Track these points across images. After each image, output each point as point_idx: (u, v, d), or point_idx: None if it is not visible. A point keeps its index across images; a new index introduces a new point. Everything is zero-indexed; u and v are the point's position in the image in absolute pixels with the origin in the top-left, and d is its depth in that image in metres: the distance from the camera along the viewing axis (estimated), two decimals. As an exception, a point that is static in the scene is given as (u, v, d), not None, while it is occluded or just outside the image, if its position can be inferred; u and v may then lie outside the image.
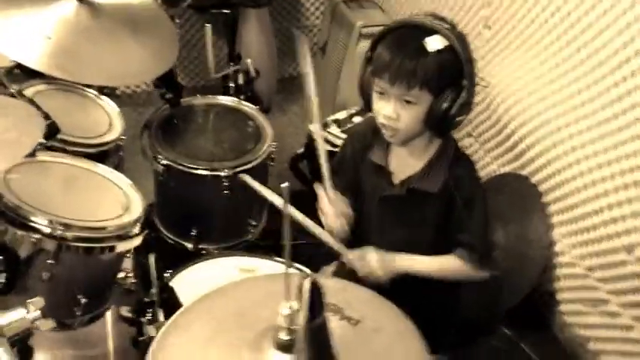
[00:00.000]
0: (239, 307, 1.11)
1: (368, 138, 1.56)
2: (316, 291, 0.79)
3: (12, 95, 1.47)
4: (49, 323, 1.16)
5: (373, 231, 1.59)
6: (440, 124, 1.40)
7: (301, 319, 0.82)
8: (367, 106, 1.49)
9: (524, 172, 2.11)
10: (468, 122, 2.12)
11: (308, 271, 1.58)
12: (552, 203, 2.00)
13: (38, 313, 1.10)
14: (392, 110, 1.39)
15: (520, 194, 2.11)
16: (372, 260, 1.49)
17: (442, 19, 1.40)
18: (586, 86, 1.82)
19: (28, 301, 1.12)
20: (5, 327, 1.05)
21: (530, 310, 2.06)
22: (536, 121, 2.03)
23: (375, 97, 1.44)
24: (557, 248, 1.99)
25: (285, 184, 0.95)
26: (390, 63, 1.36)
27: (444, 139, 1.49)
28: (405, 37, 1.39)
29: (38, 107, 1.41)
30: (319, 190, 1.56)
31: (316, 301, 0.80)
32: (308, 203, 1.59)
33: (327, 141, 2.50)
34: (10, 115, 1.22)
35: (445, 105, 1.37)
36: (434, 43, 1.35)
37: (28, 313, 1.10)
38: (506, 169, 2.20)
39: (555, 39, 1.93)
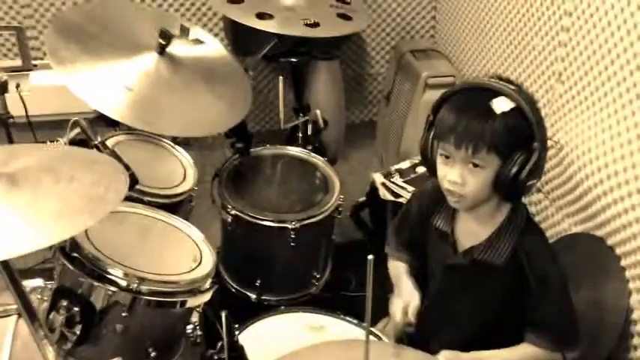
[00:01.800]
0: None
1: (434, 202, 1.52)
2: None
3: (96, 147, 1.51)
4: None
5: (436, 298, 1.54)
6: (509, 189, 1.35)
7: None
8: (431, 172, 1.46)
9: (599, 234, 2.03)
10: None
11: (385, 339, 1.52)
12: (630, 268, 1.90)
13: (117, 371, 1.11)
14: (457, 175, 1.35)
15: (594, 256, 2.02)
16: None
17: (508, 80, 1.37)
18: (668, 148, 1.75)
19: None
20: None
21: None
22: (612, 182, 1.96)
23: (439, 162, 1.40)
24: (635, 316, 1.89)
25: (370, 257, 0.94)
26: (456, 125, 1.33)
27: (514, 205, 1.44)
28: (470, 99, 1.36)
29: (120, 159, 1.45)
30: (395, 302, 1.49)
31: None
32: (368, 253, 1.57)
33: (390, 190, 2.49)
34: (96, 170, 1.25)
35: (514, 169, 1.32)
36: (501, 105, 1.32)
37: (107, 371, 1.11)
38: (579, 228, 2.12)
39: (635, 97, 1.87)
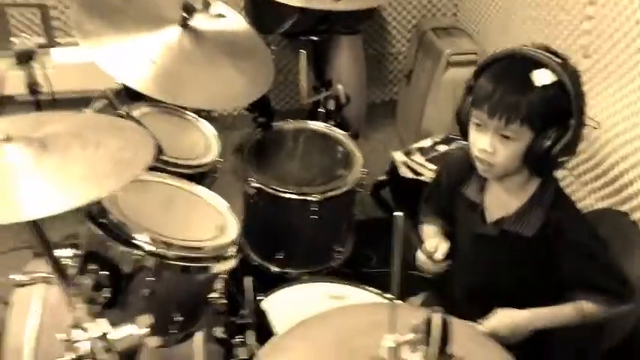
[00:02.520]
0: (339, 335, 1.10)
1: (464, 171, 1.51)
2: (446, 328, 0.77)
3: (122, 116, 1.52)
4: (156, 340, 1.18)
5: (465, 267, 1.54)
6: (539, 164, 1.34)
7: (430, 355, 0.79)
8: (464, 136, 1.45)
9: (623, 208, 2.01)
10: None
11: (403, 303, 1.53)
12: (655, 243, 1.89)
13: (147, 329, 1.13)
14: (488, 144, 1.34)
15: (619, 231, 2.00)
16: (497, 322, 1.38)
17: (554, 52, 1.33)
18: (697, 121, 1.72)
19: (138, 317, 1.15)
20: (117, 342, 1.08)
21: (628, 353, 1.94)
22: (638, 156, 1.94)
23: (472, 128, 1.39)
24: (660, 290, 1.87)
25: (398, 213, 0.93)
26: (492, 94, 1.31)
27: (545, 178, 1.42)
28: (511, 68, 1.34)
29: (146, 129, 1.46)
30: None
31: (446, 339, 0.77)
32: (388, 231, 1.57)
33: (411, 168, 2.48)
34: (123, 136, 1.27)
35: (547, 144, 1.30)
36: (541, 77, 1.29)
37: (137, 329, 1.12)
38: (604, 204, 2.11)
39: (662, 71, 1.84)
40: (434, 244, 1.49)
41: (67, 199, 1.08)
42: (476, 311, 1.42)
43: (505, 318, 1.38)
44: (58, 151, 1.18)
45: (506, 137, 1.32)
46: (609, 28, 2.06)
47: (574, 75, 1.32)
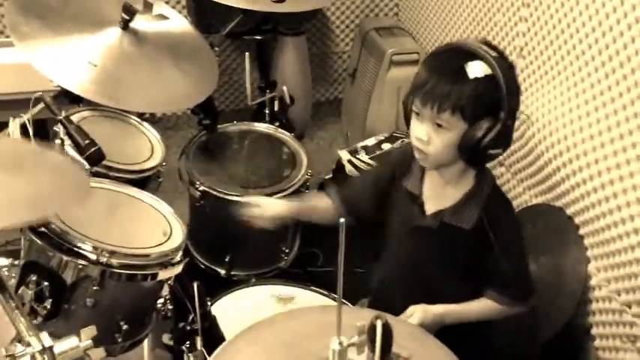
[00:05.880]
0: (288, 338, 1.11)
1: (405, 163, 1.54)
2: (387, 332, 0.79)
3: (61, 123, 1.49)
4: (100, 352, 1.16)
5: (400, 262, 1.57)
6: (471, 154, 1.37)
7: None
8: (408, 126, 1.47)
9: (558, 204, 2.09)
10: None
11: (350, 305, 1.56)
12: (588, 236, 1.97)
13: (90, 342, 1.11)
14: (424, 133, 1.37)
15: (554, 226, 2.09)
16: (419, 320, 1.43)
17: (494, 47, 1.38)
18: (625, 119, 1.80)
19: (81, 330, 1.13)
20: (59, 355, 1.06)
21: (564, 344, 2.02)
22: (572, 153, 2.02)
23: (412, 117, 1.42)
24: (593, 282, 1.96)
25: (342, 219, 0.95)
26: (425, 83, 1.35)
27: (480, 172, 1.47)
28: (448, 59, 1.37)
29: (86, 135, 1.43)
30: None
31: (387, 343, 0.79)
32: (335, 230, 1.59)
33: (356, 167, 2.52)
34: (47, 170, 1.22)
35: (478, 135, 1.34)
36: (475, 70, 1.32)
37: (80, 341, 1.10)
38: (539, 200, 2.19)
39: (593, 70, 1.92)
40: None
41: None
42: (396, 302, 1.47)
43: (420, 313, 1.43)
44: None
45: (440, 126, 1.35)
46: (543, 29, 2.14)
47: (508, 70, 1.36)
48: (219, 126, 2.12)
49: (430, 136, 1.37)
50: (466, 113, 1.33)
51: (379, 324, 0.81)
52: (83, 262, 1.34)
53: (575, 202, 2.01)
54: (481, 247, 1.45)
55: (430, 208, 1.50)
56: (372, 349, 0.81)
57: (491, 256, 1.44)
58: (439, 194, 1.49)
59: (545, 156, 2.14)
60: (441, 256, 1.51)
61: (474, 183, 1.46)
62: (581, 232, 2.00)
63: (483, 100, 1.33)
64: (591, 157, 1.94)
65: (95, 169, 1.58)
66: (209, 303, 1.61)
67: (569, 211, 2.04)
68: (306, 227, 2.26)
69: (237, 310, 1.57)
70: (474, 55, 1.34)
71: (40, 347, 1.06)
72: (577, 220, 2.01)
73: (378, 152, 2.53)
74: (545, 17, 2.12)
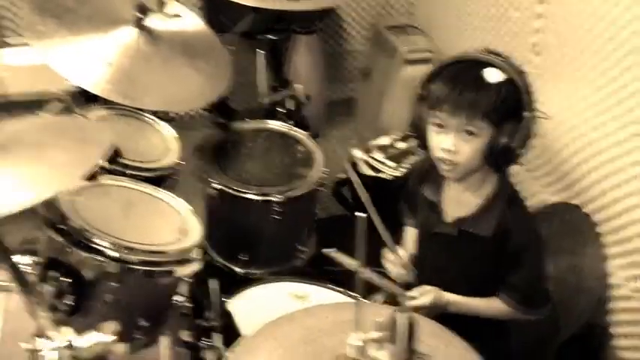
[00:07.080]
0: (306, 334, 1.11)
1: (424, 171, 1.57)
2: (412, 327, 0.79)
3: (79, 120, 1.50)
4: (123, 347, 1.16)
5: (424, 264, 1.58)
6: (500, 158, 1.40)
7: (397, 352, 0.80)
8: (422, 144, 1.48)
9: (575, 202, 2.08)
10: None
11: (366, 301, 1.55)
12: (607, 234, 1.96)
13: (113, 337, 1.11)
14: (451, 143, 1.38)
15: (572, 224, 2.07)
16: (428, 300, 1.46)
17: (497, 53, 1.41)
18: (644, 115, 1.79)
19: (104, 324, 1.13)
20: (85, 350, 1.07)
21: (584, 344, 2.01)
22: (589, 150, 2.00)
23: (432, 131, 1.43)
24: (613, 280, 1.95)
25: (361, 214, 0.95)
26: (451, 94, 1.37)
27: (500, 177, 1.48)
28: (463, 70, 1.40)
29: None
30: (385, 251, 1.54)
31: (412, 338, 0.79)
32: (350, 229, 1.59)
33: (370, 166, 2.51)
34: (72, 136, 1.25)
35: (505, 137, 1.37)
36: (493, 75, 1.36)
37: (103, 336, 1.11)
38: (556, 198, 2.17)
39: (611, 66, 1.91)
40: (401, 253, 1.56)
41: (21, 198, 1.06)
42: None
43: (434, 293, 1.46)
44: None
45: (469, 133, 1.37)
46: (558, 26, 2.13)
47: (519, 71, 1.40)
48: (233, 124, 2.12)
49: (458, 145, 1.38)
50: (493, 117, 1.36)
51: (402, 316, 0.80)
52: (102, 259, 1.34)
53: (593, 200, 2.00)
54: (499, 253, 1.46)
55: (449, 215, 1.51)
56: (394, 342, 0.81)
57: (508, 263, 1.46)
58: (458, 201, 1.50)
59: (562, 153, 2.12)
60: (459, 261, 1.52)
61: (494, 189, 1.47)
62: (600, 229, 1.98)
63: (508, 102, 1.36)
64: (608, 154, 1.93)
65: (111, 167, 1.59)
66: (225, 300, 1.61)
67: (587, 209, 2.03)
68: (322, 226, 2.26)
69: (253, 308, 1.57)
70: (484, 63, 1.37)
71: (66, 342, 1.07)
72: (595, 217, 2.00)
73: (392, 151, 2.52)
74: (561, 13, 2.10)
